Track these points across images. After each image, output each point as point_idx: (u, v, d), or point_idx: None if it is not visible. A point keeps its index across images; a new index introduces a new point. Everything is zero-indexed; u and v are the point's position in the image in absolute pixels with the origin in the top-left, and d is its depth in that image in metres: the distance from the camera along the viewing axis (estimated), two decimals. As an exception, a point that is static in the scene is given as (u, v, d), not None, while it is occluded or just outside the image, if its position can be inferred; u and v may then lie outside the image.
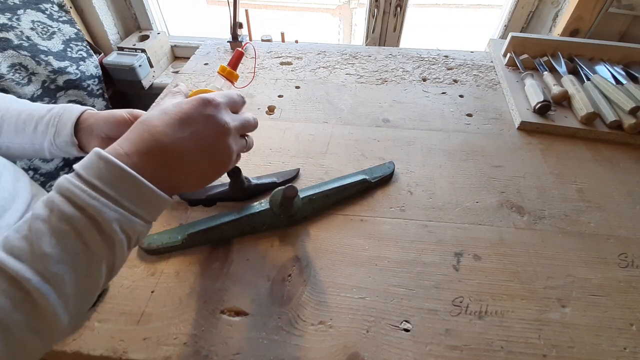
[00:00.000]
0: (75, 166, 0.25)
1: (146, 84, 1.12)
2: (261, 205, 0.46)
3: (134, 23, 1.18)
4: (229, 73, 0.40)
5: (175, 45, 1.23)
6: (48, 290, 0.22)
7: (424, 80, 0.74)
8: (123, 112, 0.41)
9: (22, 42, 0.84)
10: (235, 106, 0.33)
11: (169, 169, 0.28)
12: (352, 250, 0.44)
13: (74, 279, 0.23)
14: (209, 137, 0.29)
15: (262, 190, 0.50)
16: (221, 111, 0.30)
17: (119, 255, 0.26)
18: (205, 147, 0.29)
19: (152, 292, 0.40)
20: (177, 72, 0.92)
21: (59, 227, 0.23)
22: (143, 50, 1.09)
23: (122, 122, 0.40)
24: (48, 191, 0.27)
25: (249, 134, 0.36)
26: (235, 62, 0.41)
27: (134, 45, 1.11)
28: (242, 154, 0.35)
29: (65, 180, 0.24)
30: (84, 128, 0.41)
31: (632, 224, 0.47)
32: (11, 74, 0.82)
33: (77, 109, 0.42)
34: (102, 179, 0.24)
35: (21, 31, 0.85)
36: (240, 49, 0.41)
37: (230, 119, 0.31)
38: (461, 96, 0.69)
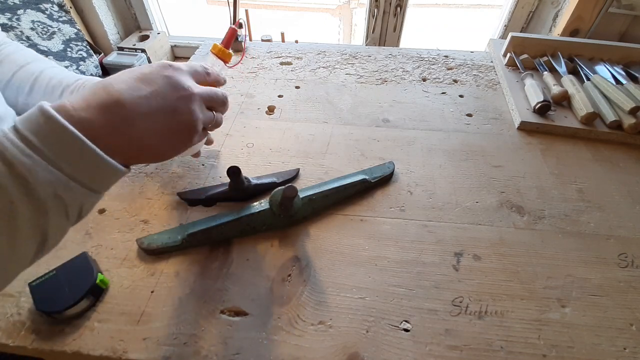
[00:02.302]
0: (16, 118, 0.23)
1: (146, 84, 1.12)
2: (261, 205, 0.46)
3: (134, 23, 1.18)
4: (221, 51, 0.39)
5: (175, 45, 1.23)
6: None
7: (424, 80, 0.74)
8: None
9: (22, 42, 0.84)
10: (198, 76, 0.32)
11: (123, 129, 0.25)
12: (352, 250, 0.44)
13: None
14: (170, 98, 0.28)
15: (262, 190, 0.50)
16: (182, 74, 0.29)
17: (54, 222, 0.23)
18: (166, 109, 0.27)
19: (152, 292, 0.40)
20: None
21: None
22: (143, 50, 1.09)
23: None
24: None
25: (219, 111, 0.35)
26: (228, 40, 0.40)
27: (134, 45, 1.11)
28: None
29: (0, 131, 0.22)
30: None
31: (632, 224, 0.47)
32: (11, 74, 0.82)
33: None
34: (39, 135, 0.22)
35: (21, 31, 0.85)
36: (233, 26, 0.40)
37: (194, 85, 0.30)
38: (461, 96, 0.69)
